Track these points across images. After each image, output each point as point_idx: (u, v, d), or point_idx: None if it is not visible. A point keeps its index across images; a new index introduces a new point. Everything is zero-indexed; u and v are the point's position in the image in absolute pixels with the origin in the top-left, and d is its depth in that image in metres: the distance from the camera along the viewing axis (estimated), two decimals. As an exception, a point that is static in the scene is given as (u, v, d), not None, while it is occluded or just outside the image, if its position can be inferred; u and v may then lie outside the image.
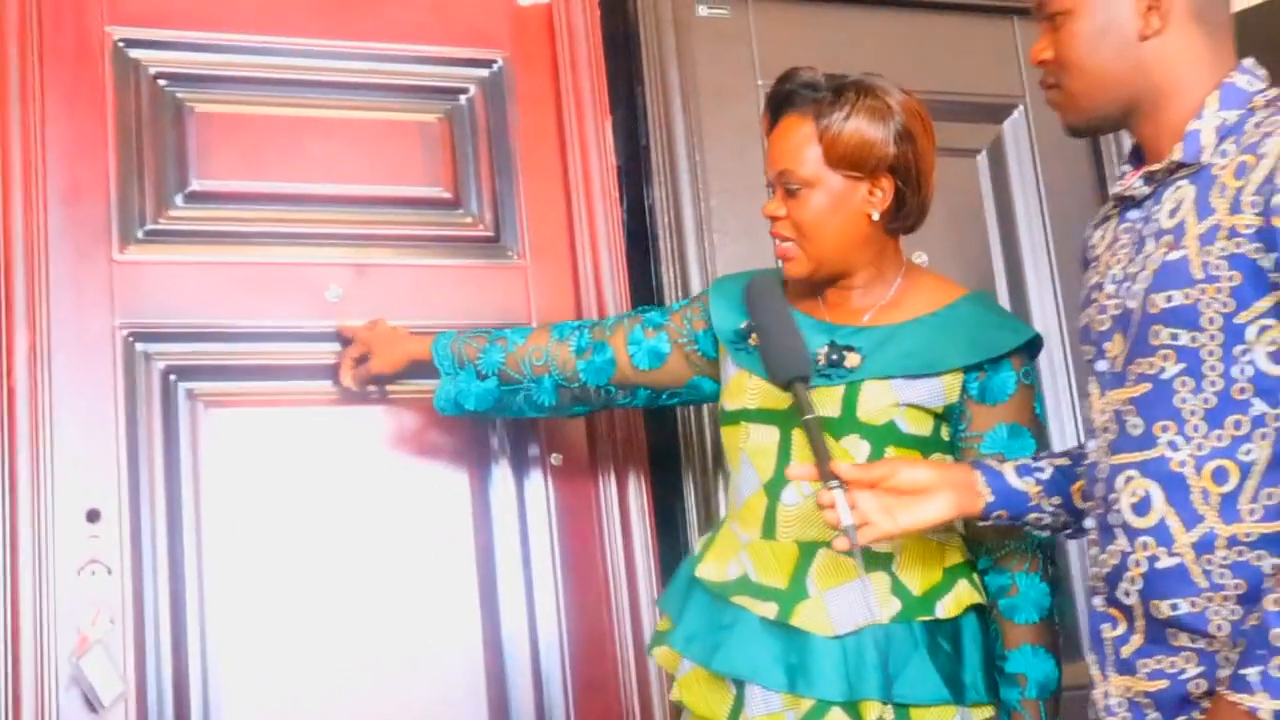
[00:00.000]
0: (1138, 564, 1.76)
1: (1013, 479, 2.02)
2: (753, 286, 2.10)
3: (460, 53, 3.05)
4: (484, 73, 3.07)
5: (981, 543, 2.22)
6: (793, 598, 2.13)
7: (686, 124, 3.13)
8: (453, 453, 2.87)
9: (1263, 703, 1.57)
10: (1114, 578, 1.80)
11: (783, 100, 2.24)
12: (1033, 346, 2.24)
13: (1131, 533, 1.77)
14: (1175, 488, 1.72)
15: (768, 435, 2.21)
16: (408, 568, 2.79)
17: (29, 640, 2.50)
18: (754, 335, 2.25)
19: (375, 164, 2.95)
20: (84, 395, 2.64)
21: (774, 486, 2.20)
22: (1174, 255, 1.73)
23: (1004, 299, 3.35)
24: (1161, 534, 1.73)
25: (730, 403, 2.28)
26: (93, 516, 2.60)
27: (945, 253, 3.27)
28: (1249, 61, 1.81)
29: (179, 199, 2.81)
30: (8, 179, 2.65)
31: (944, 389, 2.18)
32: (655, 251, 3.11)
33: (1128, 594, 1.78)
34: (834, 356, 2.19)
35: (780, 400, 2.16)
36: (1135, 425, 1.78)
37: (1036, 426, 2.21)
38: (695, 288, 3.03)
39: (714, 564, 2.23)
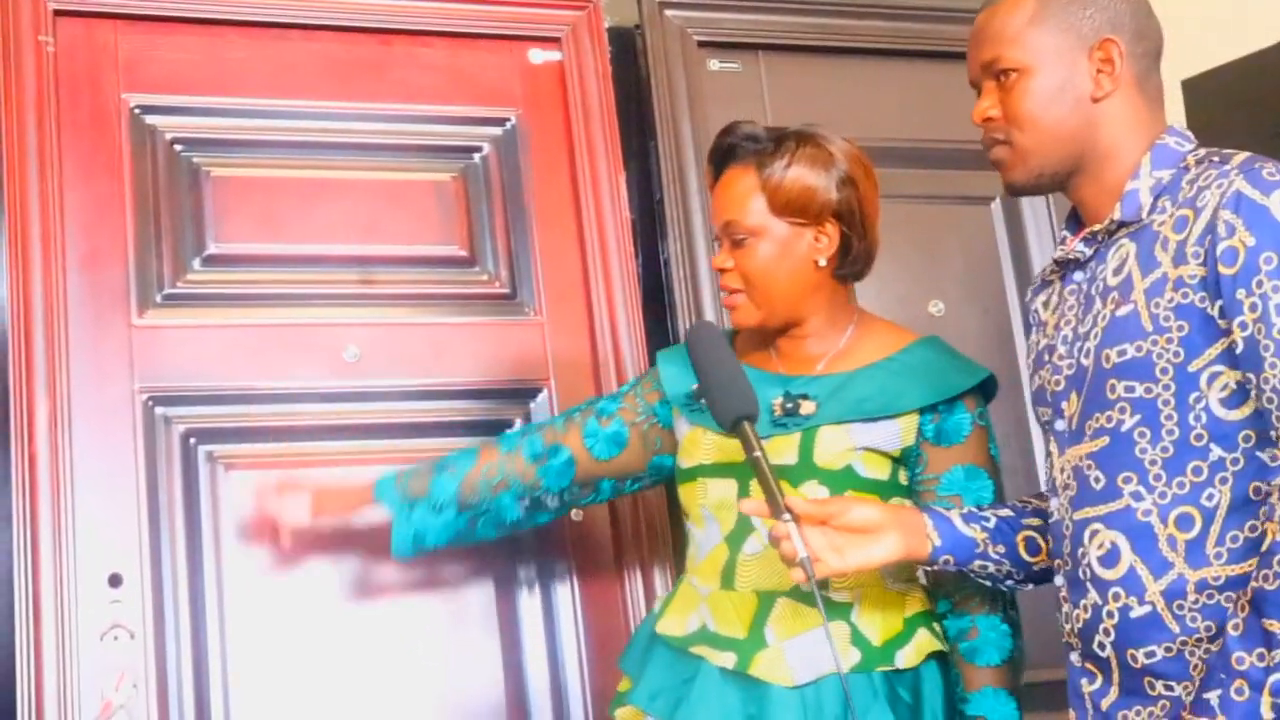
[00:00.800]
0: (1110, 615, 1.79)
1: (960, 526, 2.04)
2: (692, 334, 2.09)
3: (473, 111, 3.10)
4: (497, 131, 3.12)
5: (941, 586, 2.21)
6: (751, 647, 2.12)
7: (700, 177, 3.13)
8: None
9: None
10: (1088, 631, 1.83)
11: (725, 154, 2.26)
12: (986, 387, 2.25)
13: (1102, 585, 1.80)
14: (1142, 537, 1.76)
15: (725, 488, 2.21)
16: (430, 627, 2.81)
17: (53, 706, 2.51)
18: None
19: (391, 224, 2.99)
20: (104, 460, 2.67)
21: (735, 538, 2.19)
22: (1123, 310, 1.79)
23: (1021, 346, 3.36)
24: (1132, 583, 1.77)
25: (686, 460, 2.28)
26: (115, 581, 2.63)
27: (961, 300, 3.30)
28: (1177, 125, 1.90)
29: (196, 263, 2.86)
30: (27, 246, 2.69)
31: (900, 432, 2.19)
32: (671, 304, 3.14)
33: (1103, 646, 1.81)
34: (789, 405, 2.20)
35: (735, 453, 2.14)
36: (1097, 479, 1.82)
37: (993, 467, 2.21)
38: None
39: (674, 618, 2.23)
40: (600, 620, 2.89)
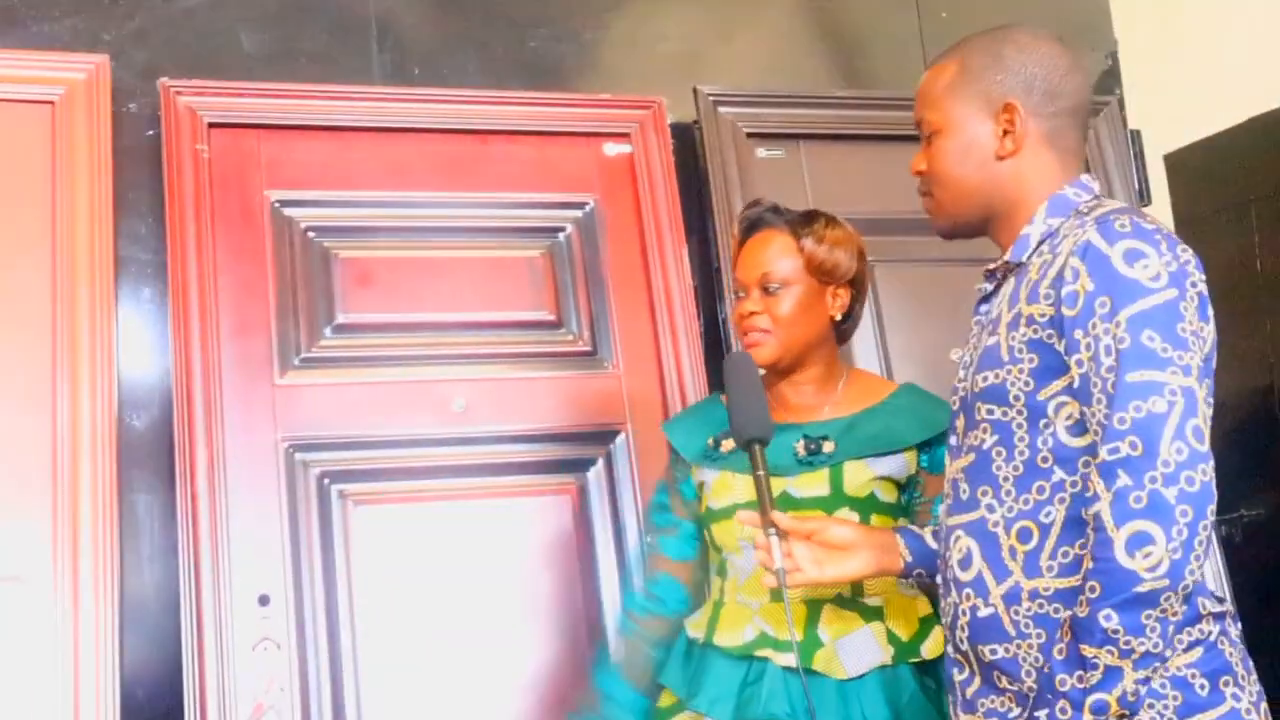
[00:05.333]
0: (964, 613, 1.76)
1: (930, 542, 2.01)
2: (732, 357, 2.12)
3: (557, 198, 3.17)
4: (578, 213, 3.20)
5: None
6: (810, 647, 2.17)
7: (732, 251, 3.00)
8: (563, 535, 2.97)
9: None
10: (953, 626, 1.79)
11: (755, 221, 2.36)
12: None
13: (960, 586, 1.77)
14: (990, 545, 1.73)
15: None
16: (528, 633, 2.90)
17: (214, 706, 2.63)
18: (726, 441, 2.32)
19: (489, 294, 3.07)
20: (254, 497, 2.77)
21: None
22: (990, 340, 1.75)
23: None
24: (979, 586, 1.73)
25: (718, 501, 2.30)
26: (264, 601, 2.73)
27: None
28: (1085, 177, 1.83)
29: (328, 331, 2.96)
30: (188, 320, 2.79)
31: (905, 463, 2.26)
32: None
33: (962, 641, 1.77)
34: (812, 446, 2.26)
35: None
36: (964, 490, 1.79)
37: None
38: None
39: (730, 632, 2.25)
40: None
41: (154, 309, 2.84)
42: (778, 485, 2.22)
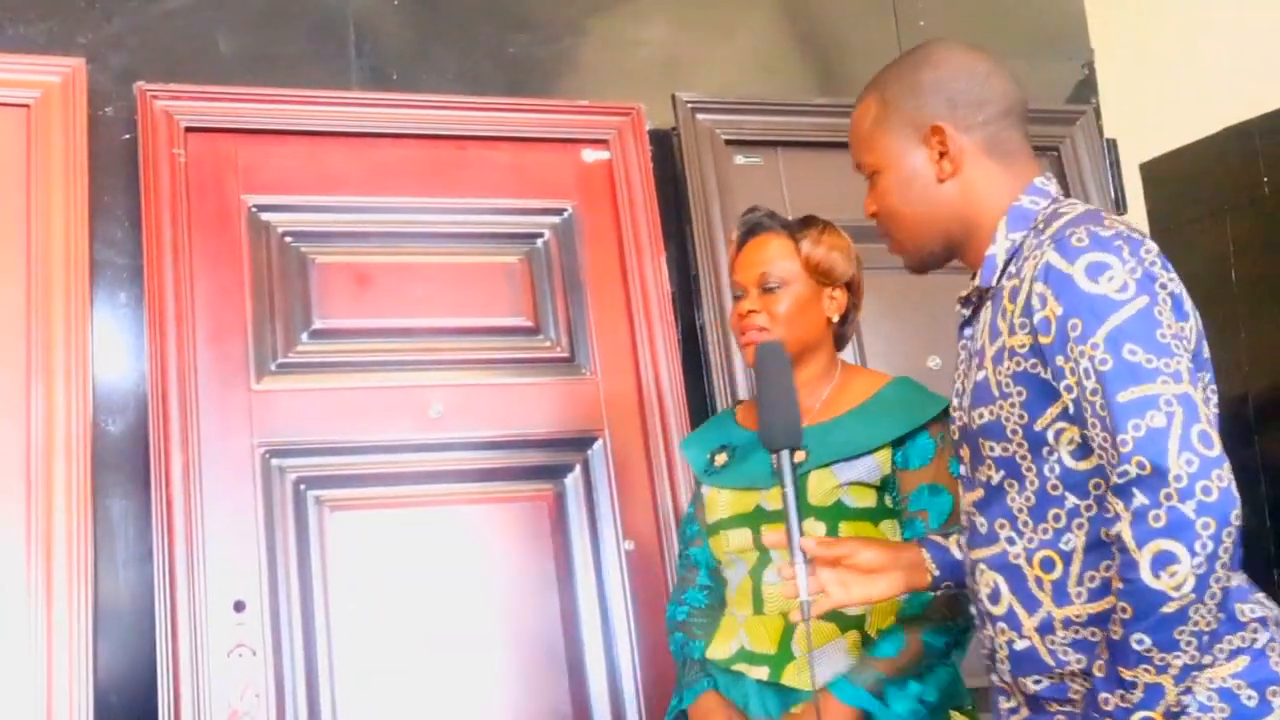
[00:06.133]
0: (1001, 647, 1.74)
1: (955, 553, 1.96)
2: (766, 350, 2.03)
3: (535, 204, 3.20)
4: (556, 219, 3.22)
5: None
6: (781, 660, 2.19)
7: (729, 256, 3.17)
8: (540, 541, 2.99)
9: None
10: (994, 658, 1.78)
11: (753, 226, 2.38)
12: (948, 414, 2.09)
13: (993, 620, 1.75)
14: (1015, 578, 1.71)
15: (743, 536, 2.27)
16: (504, 639, 2.91)
17: (189, 712, 2.62)
18: (720, 455, 2.36)
19: (467, 300, 3.08)
20: (229, 503, 2.78)
21: (757, 571, 2.26)
22: (979, 375, 1.72)
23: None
24: (1012, 620, 1.71)
25: (709, 517, 2.35)
26: (239, 607, 2.73)
27: (954, 355, 3.27)
28: (1039, 180, 1.77)
29: (304, 336, 2.97)
30: (163, 324, 2.79)
31: (878, 464, 2.24)
32: (707, 365, 3.19)
33: (1003, 673, 1.76)
34: None
35: (744, 505, 2.25)
36: (981, 524, 1.77)
37: (952, 482, 2.16)
38: (742, 396, 3.10)
39: (719, 644, 2.29)
40: (651, 634, 2.95)
41: (129, 313, 2.83)
42: (753, 499, 2.24)
